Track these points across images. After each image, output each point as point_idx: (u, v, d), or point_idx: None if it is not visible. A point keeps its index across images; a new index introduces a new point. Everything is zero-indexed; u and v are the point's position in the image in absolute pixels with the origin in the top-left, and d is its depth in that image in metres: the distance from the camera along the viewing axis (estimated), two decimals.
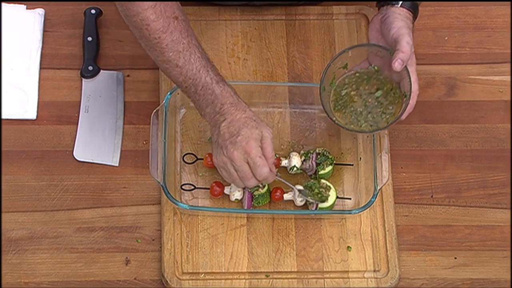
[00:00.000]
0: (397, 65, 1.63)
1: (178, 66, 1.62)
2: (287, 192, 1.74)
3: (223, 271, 1.71)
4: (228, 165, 1.62)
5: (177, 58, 1.61)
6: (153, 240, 1.74)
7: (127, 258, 1.73)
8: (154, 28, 1.58)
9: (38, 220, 1.74)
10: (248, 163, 1.61)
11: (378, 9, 1.72)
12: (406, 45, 1.63)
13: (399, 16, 1.67)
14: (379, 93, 1.71)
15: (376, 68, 1.70)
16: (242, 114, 1.62)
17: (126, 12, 1.59)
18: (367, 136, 1.76)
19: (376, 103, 1.71)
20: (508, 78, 1.89)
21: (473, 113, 1.86)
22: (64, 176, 1.78)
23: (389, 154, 1.77)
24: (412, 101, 1.67)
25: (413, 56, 1.67)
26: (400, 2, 1.68)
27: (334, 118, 1.70)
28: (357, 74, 1.72)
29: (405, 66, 1.64)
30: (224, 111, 1.62)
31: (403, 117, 1.68)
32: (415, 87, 1.66)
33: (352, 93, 1.72)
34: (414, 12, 1.70)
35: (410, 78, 1.65)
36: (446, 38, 1.92)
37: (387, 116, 1.70)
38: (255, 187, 1.71)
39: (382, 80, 1.71)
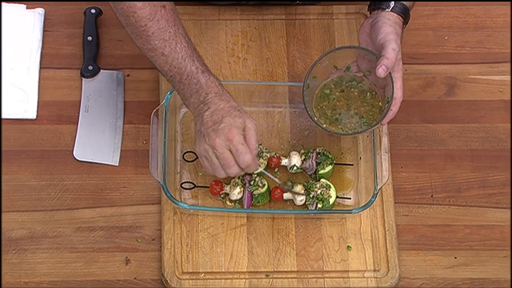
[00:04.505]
0: (380, 71, 1.61)
1: (163, 55, 1.62)
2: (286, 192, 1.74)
3: (223, 270, 1.71)
4: (210, 153, 1.60)
5: (163, 47, 1.61)
6: (153, 239, 1.74)
7: (127, 257, 1.73)
8: (140, 15, 1.58)
9: (38, 219, 1.74)
10: (230, 150, 1.59)
11: (370, 13, 1.71)
12: (391, 51, 1.62)
13: (388, 21, 1.66)
14: (359, 96, 1.71)
15: (362, 74, 1.70)
16: (225, 104, 1.61)
17: None
18: (367, 136, 1.76)
19: (356, 107, 1.71)
20: (508, 77, 1.89)
21: (473, 112, 1.86)
22: (64, 176, 1.78)
23: (389, 154, 1.77)
24: (394, 108, 1.65)
25: (399, 62, 1.66)
26: (391, 7, 1.67)
27: (311, 114, 1.68)
28: (342, 77, 1.72)
29: (389, 73, 1.63)
30: (208, 100, 1.61)
31: (384, 122, 1.66)
32: (398, 94, 1.65)
33: (337, 94, 1.71)
34: (405, 17, 1.69)
35: (393, 84, 1.63)
36: (446, 37, 1.92)
37: (367, 120, 1.69)
38: (254, 186, 1.71)
39: (364, 85, 1.71)
